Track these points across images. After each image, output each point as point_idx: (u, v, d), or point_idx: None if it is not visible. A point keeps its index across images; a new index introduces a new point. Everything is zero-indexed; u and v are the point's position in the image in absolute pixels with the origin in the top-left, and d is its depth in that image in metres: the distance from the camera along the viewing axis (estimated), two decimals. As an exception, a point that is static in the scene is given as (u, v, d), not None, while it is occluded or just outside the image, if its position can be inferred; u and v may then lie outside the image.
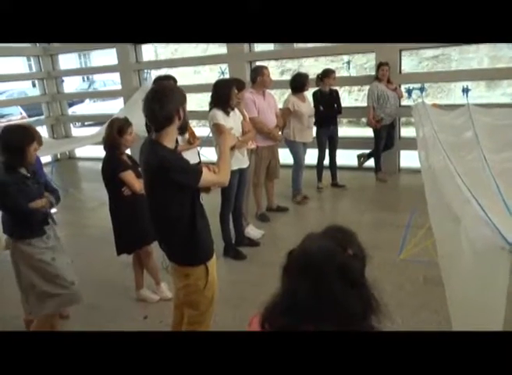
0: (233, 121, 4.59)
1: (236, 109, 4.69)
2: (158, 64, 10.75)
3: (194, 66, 11.50)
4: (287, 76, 11.96)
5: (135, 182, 3.75)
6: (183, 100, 2.51)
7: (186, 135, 4.37)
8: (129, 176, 3.76)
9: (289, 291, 1.25)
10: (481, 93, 10.36)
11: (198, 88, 8.69)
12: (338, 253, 1.24)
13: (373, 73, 7.22)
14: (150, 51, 14.45)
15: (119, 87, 10.40)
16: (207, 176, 2.50)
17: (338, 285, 1.18)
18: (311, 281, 1.20)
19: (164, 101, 2.38)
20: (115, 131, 3.79)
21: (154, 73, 9.91)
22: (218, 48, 9.64)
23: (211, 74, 12.24)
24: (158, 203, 2.52)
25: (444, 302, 2.75)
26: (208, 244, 2.67)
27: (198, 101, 9.53)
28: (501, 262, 2.00)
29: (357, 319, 1.18)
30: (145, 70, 9.36)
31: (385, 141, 7.07)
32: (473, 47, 10.16)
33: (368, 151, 7.37)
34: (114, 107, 11.01)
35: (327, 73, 6.62)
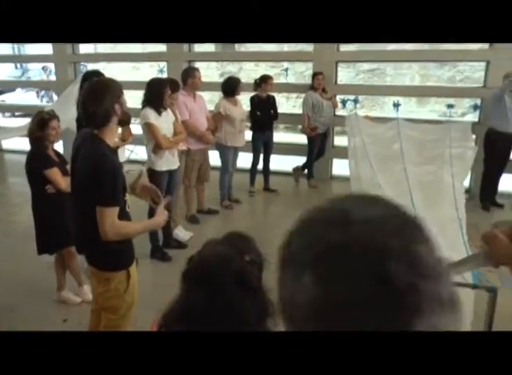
0: (165, 121, 4.54)
1: (168, 110, 4.64)
2: (96, 57, 10.46)
3: (134, 61, 11.26)
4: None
5: (61, 180, 3.62)
6: (120, 94, 2.45)
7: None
8: (54, 173, 3.63)
9: (185, 297, 1.25)
10: (412, 108, 10.82)
11: (136, 85, 8.51)
12: (235, 259, 1.26)
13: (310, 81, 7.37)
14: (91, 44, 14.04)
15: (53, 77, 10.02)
16: (111, 213, 2.35)
17: (234, 291, 1.20)
18: (207, 287, 1.21)
19: (99, 100, 2.32)
20: (35, 125, 3.65)
21: (92, 67, 9.67)
22: (158, 46, 9.51)
23: (151, 71, 12.06)
24: (86, 204, 2.41)
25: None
26: (130, 248, 2.61)
27: (136, 99, 9.33)
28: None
29: (252, 322, 1.20)
30: (82, 63, 9.07)
31: (318, 149, 7.22)
32: (406, 64, 10.61)
33: (301, 163, 7.47)
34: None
35: (264, 79, 6.68)
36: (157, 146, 4.54)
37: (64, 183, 3.63)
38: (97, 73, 4.40)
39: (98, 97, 2.33)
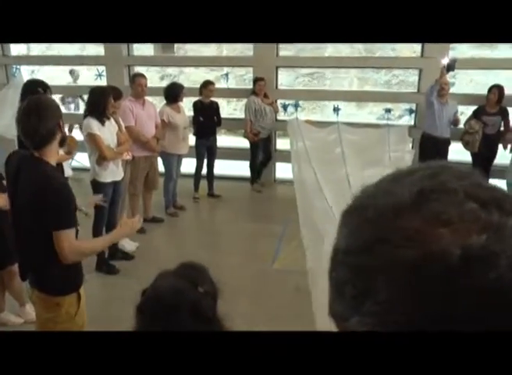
0: (108, 131, 4.45)
1: (111, 119, 4.56)
2: (29, 60, 10.06)
3: (70, 65, 10.89)
4: (167, 82, 11.85)
5: None
6: (61, 113, 2.40)
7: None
8: None
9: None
10: (351, 111, 11.12)
11: (74, 90, 8.29)
12: (189, 291, 1.26)
13: (251, 85, 7.43)
14: (21, 44, 13.49)
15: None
16: (68, 236, 2.27)
17: (189, 323, 1.21)
18: (162, 321, 1.21)
19: (44, 117, 2.24)
20: None
21: (25, 69, 9.28)
22: (96, 49, 9.28)
23: (89, 74, 11.73)
24: (32, 229, 2.30)
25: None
26: (80, 268, 2.52)
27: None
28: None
29: None
30: (14, 66, 8.68)
31: (262, 153, 7.30)
32: (344, 68, 10.92)
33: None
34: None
35: (205, 85, 6.68)
36: (101, 157, 4.44)
37: (1, 200, 3.47)
38: (41, 84, 4.20)
39: (44, 112, 2.26)
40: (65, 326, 2.45)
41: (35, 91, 4.01)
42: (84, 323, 2.57)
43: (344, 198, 2.58)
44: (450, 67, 6.25)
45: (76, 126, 4.94)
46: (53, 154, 2.35)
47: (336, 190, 4.02)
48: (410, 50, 12.52)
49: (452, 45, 6.97)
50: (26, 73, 8.69)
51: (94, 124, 4.35)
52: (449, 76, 6.56)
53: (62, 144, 2.43)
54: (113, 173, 4.58)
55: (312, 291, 3.20)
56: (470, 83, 11.46)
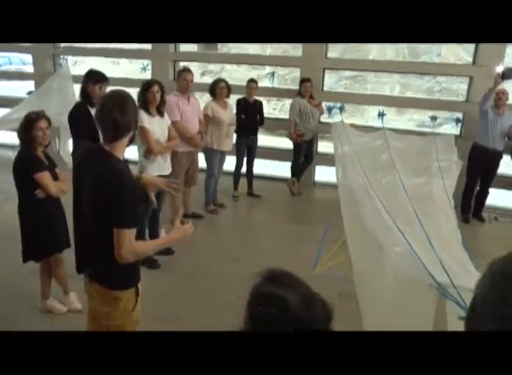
0: (158, 125, 4.45)
1: (165, 113, 4.54)
2: (74, 50, 10.16)
3: (116, 57, 10.97)
4: (208, 78, 11.86)
5: (51, 185, 3.46)
6: (137, 109, 2.39)
7: None
8: (45, 177, 3.45)
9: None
10: (391, 116, 10.93)
11: (116, 82, 8.32)
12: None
13: (294, 85, 7.35)
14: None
15: (29, 68, 9.65)
16: (130, 235, 2.22)
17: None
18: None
19: (125, 111, 2.21)
20: (21, 126, 3.49)
21: (71, 60, 9.39)
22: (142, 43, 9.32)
23: (131, 67, 11.80)
24: (97, 220, 2.26)
25: (357, 317, 2.82)
26: (139, 264, 2.49)
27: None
28: (428, 297, 2.08)
29: None
30: (61, 56, 8.80)
31: (304, 155, 7.20)
32: (386, 73, 10.74)
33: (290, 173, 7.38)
34: (19, 88, 10.00)
35: (247, 82, 6.65)
36: (148, 150, 4.42)
37: (55, 188, 3.48)
38: (102, 76, 4.19)
39: (125, 105, 2.23)
40: (122, 322, 2.41)
41: (97, 81, 4.03)
42: (139, 318, 2.54)
43: (401, 207, 2.45)
44: (506, 75, 6.03)
45: None
46: (122, 149, 2.32)
47: (389, 197, 3.90)
48: (455, 57, 12.29)
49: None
50: (70, 63, 8.77)
51: (144, 117, 4.33)
52: (504, 85, 6.34)
53: (131, 141, 2.38)
54: (160, 167, 4.55)
55: (359, 294, 3.12)
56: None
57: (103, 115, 2.25)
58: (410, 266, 2.25)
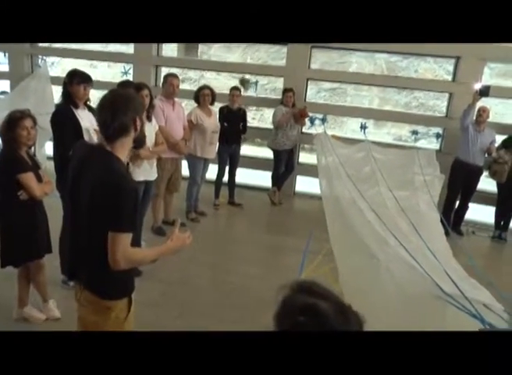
0: (147, 130, 4.32)
1: (153, 118, 4.44)
2: (52, 51, 9.95)
3: (94, 60, 10.76)
4: (187, 86, 11.76)
5: (35, 186, 3.33)
6: (140, 109, 2.26)
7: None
8: (29, 178, 3.31)
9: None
10: (370, 129, 11.06)
11: (100, 85, 8.15)
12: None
13: (274, 95, 7.34)
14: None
15: (4, 67, 9.37)
16: (125, 240, 2.08)
17: None
18: None
19: (116, 110, 2.11)
20: (5, 124, 3.35)
21: (49, 61, 9.17)
22: (123, 46, 9.19)
23: (109, 71, 11.61)
24: (90, 224, 2.14)
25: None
26: (132, 273, 2.36)
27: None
28: (436, 309, 2.05)
29: None
30: (40, 56, 8.58)
31: (285, 165, 7.17)
32: (366, 86, 10.85)
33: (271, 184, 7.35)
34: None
35: (231, 90, 6.62)
36: (134, 156, 4.31)
37: (38, 190, 3.35)
38: (86, 76, 4.05)
39: (116, 106, 2.12)
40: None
41: (82, 81, 3.90)
42: (131, 329, 2.42)
43: (391, 216, 2.42)
44: (483, 93, 6.15)
45: None
46: (124, 150, 2.20)
47: (379, 207, 3.88)
48: (432, 73, 12.51)
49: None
50: (46, 64, 8.58)
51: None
52: (482, 102, 6.47)
53: (137, 144, 2.27)
54: (146, 172, 4.46)
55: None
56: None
57: (99, 114, 2.16)
58: (414, 278, 2.22)
